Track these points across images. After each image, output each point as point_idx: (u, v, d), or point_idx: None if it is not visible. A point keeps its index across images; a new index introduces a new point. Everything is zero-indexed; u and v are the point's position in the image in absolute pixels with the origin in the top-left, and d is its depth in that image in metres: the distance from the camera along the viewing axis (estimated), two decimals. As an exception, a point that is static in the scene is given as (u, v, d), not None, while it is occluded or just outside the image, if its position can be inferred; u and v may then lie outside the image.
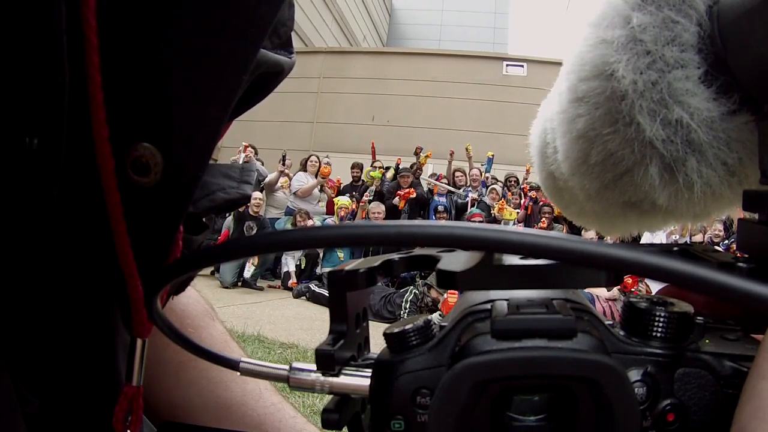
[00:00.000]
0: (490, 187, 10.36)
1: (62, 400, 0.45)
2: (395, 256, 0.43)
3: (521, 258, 0.37)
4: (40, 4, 0.32)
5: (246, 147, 10.25)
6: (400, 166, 10.95)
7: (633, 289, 6.79)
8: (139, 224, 0.40)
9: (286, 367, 0.42)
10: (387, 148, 11.08)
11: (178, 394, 0.70)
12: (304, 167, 10.48)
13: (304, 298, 8.04)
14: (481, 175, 10.87)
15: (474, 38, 32.67)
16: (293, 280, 8.80)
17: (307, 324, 6.17)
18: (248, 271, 8.62)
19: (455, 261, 0.39)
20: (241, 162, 9.46)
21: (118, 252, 0.40)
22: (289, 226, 8.62)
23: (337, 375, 0.40)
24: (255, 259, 8.64)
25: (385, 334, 0.39)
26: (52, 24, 0.32)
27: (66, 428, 0.46)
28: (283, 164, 10.19)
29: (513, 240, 0.29)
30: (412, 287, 7.84)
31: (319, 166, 10.47)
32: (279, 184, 9.98)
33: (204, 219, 0.53)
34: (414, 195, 9.93)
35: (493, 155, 11.76)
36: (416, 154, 10.98)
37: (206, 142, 0.41)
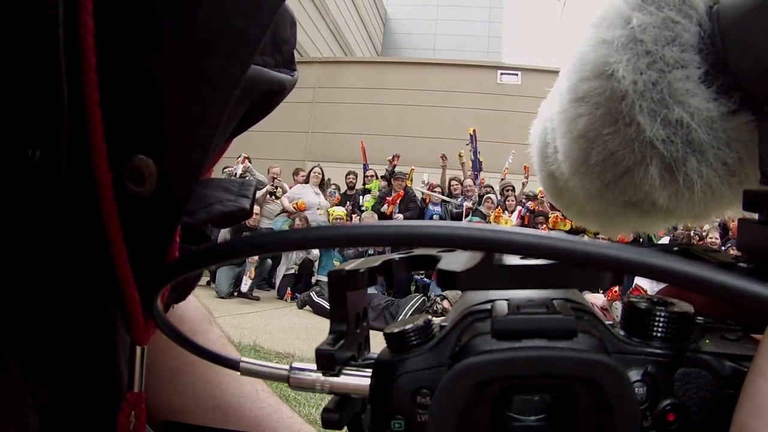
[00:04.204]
0: (485, 197, 10.35)
1: (69, 393, 0.45)
2: (395, 256, 0.43)
3: (521, 258, 0.37)
4: (39, 25, 0.33)
5: (245, 158, 10.24)
6: (396, 167, 10.89)
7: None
8: (135, 234, 0.41)
9: (287, 366, 0.42)
10: (381, 157, 11.07)
11: (175, 398, 0.71)
12: (306, 180, 10.45)
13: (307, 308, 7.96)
14: (474, 184, 10.87)
15: (468, 47, 32.81)
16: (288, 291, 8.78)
17: (303, 334, 6.15)
18: (245, 285, 8.59)
19: (455, 261, 0.39)
20: (239, 173, 9.47)
21: (115, 261, 0.41)
22: (286, 228, 8.62)
23: (337, 375, 0.40)
24: (252, 272, 8.63)
25: (385, 334, 0.39)
26: (50, 43, 0.33)
27: (75, 421, 0.47)
28: (272, 184, 10.15)
29: (513, 240, 0.29)
30: (420, 295, 7.81)
31: (322, 177, 10.46)
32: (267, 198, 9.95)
33: (204, 231, 0.54)
34: (403, 195, 9.97)
35: (474, 130, 11.76)
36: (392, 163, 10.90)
37: (199, 156, 0.42)
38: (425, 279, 8.38)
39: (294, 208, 9.83)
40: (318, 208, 9.98)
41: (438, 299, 7.50)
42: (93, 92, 0.36)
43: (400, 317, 6.96)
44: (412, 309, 7.32)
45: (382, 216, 9.72)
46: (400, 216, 9.78)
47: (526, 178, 10.64)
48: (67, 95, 0.35)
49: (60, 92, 0.34)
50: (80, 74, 0.36)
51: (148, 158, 0.40)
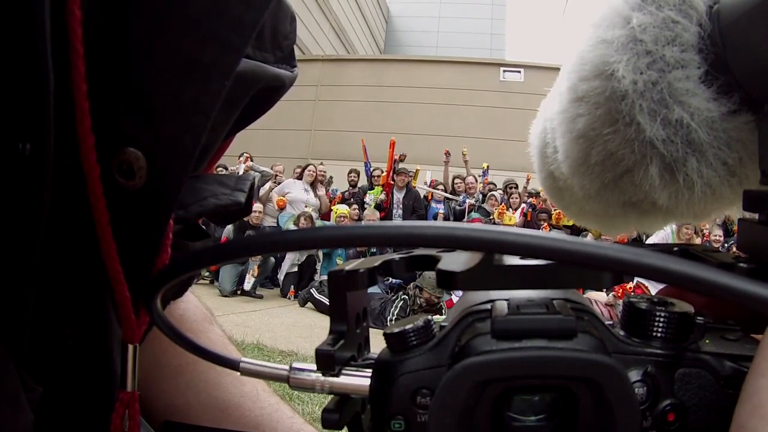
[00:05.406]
0: (489, 194, 10.33)
1: (63, 389, 0.45)
2: (395, 256, 0.43)
3: (521, 258, 0.37)
4: (24, 15, 0.33)
5: (247, 158, 10.25)
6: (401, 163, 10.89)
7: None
8: (125, 229, 0.41)
9: (287, 367, 0.42)
10: (385, 155, 11.05)
11: (176, 397, 0.70)
12: (300, 176, 10.46)
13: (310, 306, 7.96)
14: (476, 181, 10.86)
15: (471, 45, 32.74)
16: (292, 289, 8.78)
17: (306, 332, 6.15)
18: (248, 283, 8.57)
19: (455, 261, 0.39)
20: (241, 172, 9.47)
21: (105, 257, 0.41)
22: (291, 226, 8.62)
23: (337, 375, 0.40)
24: (255, 270, 8.62)
25: (385, 334, 0.39)
26: (35, 33, 0.33)
27: (69, 417, 0.46)
28: (274, 181, 10.17)
29: (513, 240, 0.29)
30: (401, 293, 7.77)
31: (316, 175, 10.47)
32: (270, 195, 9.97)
33: (202, 227, 0.53)
34: (393, 185, 10.08)
35: (488, 166, 11.77)
36: (401, 160, 10.90)
37: (190, 146, 0.42)
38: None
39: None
40: (306, 206, 9.98)
41: (417, 291, 7.50)
42: (81, 83, 0.36)
43: (388, 317, 6.99)
44: (397, 309, 7.31)
45: (383, 210, 9.78)
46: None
47: (527, 181, 10.64)
48: (53, 86, 0.34)
49: (46, 82, 0.34)
50: (68, 65, 0.36)
51: (138, 151, 0.40)
